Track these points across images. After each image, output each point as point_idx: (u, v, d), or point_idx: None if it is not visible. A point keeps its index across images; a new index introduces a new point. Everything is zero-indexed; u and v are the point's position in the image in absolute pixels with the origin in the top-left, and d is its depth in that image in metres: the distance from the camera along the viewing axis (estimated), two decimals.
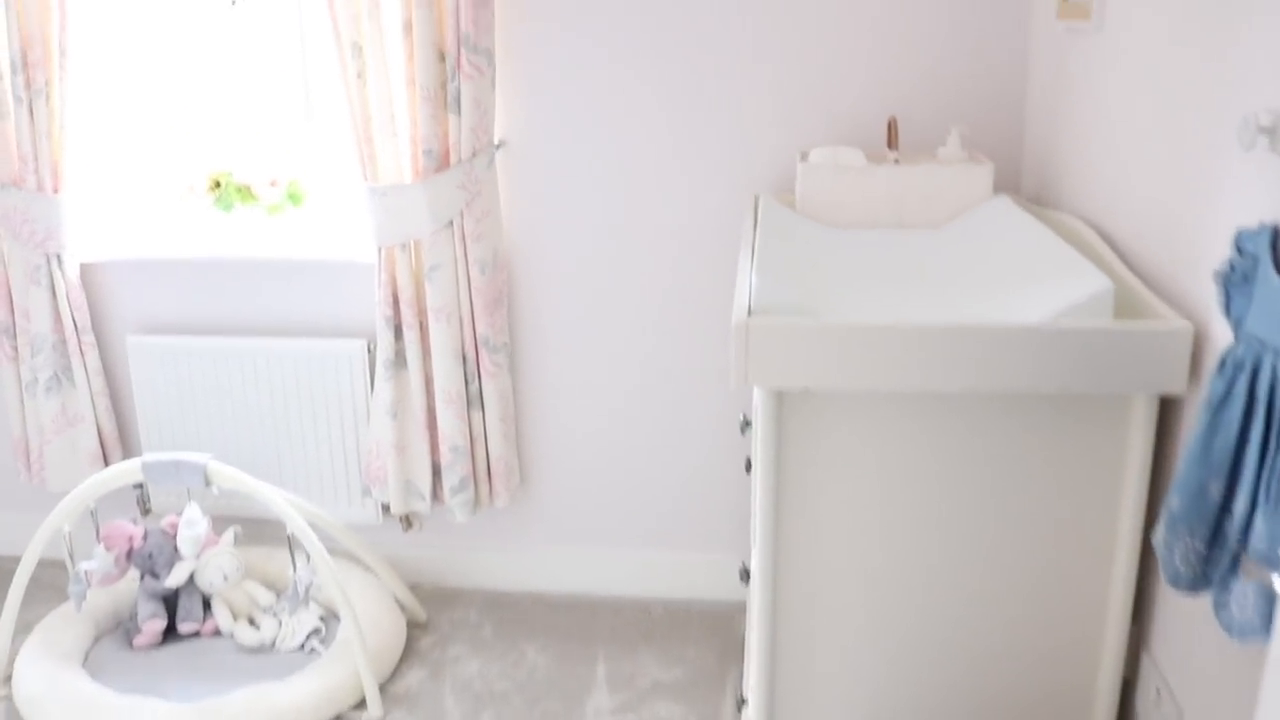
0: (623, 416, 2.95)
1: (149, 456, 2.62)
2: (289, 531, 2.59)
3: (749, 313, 1.66)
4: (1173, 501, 1.39)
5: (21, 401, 3.06)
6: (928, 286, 1.92)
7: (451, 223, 2.70)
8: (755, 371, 1.62)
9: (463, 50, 2.55)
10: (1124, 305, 1.71)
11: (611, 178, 2.77)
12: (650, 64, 2.68)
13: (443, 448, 2.83)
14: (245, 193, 3.02)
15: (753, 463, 1.83)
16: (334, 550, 2.86)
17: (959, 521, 1.73)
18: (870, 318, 1.68)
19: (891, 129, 2.43)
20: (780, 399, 1.68)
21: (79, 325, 2.97)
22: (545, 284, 2.87)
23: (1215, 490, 1.35)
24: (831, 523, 1.74)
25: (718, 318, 2.84)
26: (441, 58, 2.59)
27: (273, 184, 3.00)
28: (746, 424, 2.17)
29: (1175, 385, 1.60)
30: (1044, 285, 1.74)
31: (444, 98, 2.62)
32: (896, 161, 2.38)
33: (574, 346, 2.91)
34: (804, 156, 2.44)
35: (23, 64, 2.75)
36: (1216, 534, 1.37)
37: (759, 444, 1.71)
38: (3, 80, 2.79)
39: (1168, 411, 1.69)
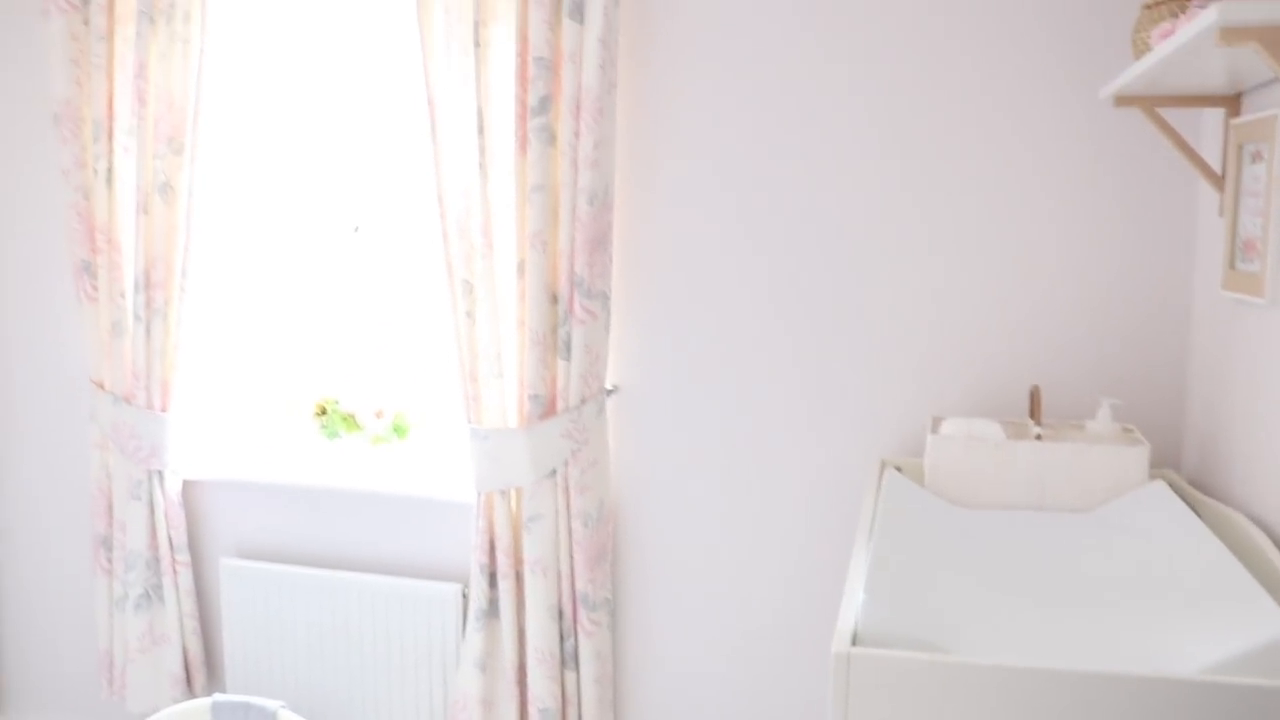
0: (730, 685, 2.70)
1: (220, 697, 2.50)
2: None
3: (853, 640, 1.43)
4: None
5: (111, 615, 2.99)
6: (1069, 595, 1.67)
7: (555, 472, 2.55)
8: (857, 711, 1.39)
9: (576, 294, 2.45)
10: None
11: (730, 430, 2.60)
12: (776, 314, 2.53)
13: (531, 709, 2.61)
14: (350, 421, 2.94)
15: None
16: None
17: None
18: (997, 655, 1.43)
19: (1034, 399, 2.21)
20: None
21: (174, 544, 2.90)
22: (654, 538, 2.69)
23: None
24: None
25: (834, 583, 2.60)
26: (554, 300, 2.49)
27: (378, 415, 2.92)
28: None
29: None
30: (1206, 617, 1.49)
31: (554, 342, 2.51)
32: (1039, 436, 2.16)
33: (681, 606, 2.70)
34: (935, 426, 2.24)
35: (145, 284, 2.77)
36: None
37: None
38: (125, 298, 2.82)
39: None
